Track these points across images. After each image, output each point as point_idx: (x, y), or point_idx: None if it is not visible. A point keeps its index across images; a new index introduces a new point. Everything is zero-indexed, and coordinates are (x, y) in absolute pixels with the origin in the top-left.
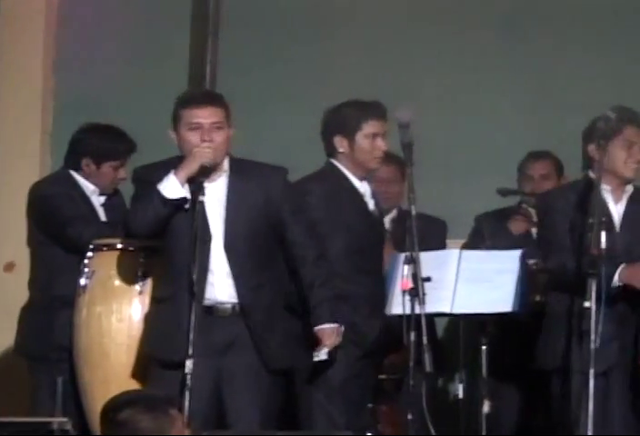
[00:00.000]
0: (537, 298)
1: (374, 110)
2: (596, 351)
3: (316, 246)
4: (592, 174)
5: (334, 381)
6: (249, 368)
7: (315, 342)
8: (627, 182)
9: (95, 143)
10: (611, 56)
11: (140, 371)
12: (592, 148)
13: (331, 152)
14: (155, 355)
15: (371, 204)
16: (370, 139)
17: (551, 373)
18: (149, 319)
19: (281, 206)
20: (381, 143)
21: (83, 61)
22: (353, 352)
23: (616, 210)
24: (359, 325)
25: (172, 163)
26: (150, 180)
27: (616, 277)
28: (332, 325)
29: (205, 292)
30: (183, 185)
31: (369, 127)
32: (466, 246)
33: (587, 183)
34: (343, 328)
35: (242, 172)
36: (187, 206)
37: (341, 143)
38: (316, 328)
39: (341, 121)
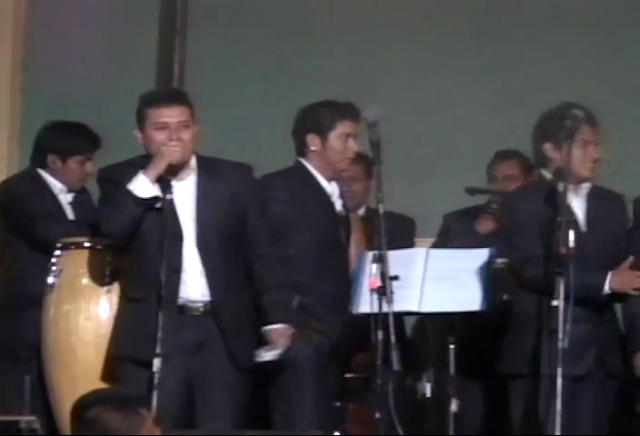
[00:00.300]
0: (505, 297)
1: (348, 111)
2: (573, 355)
3: (277, 245)
4: (546, 173)
5: (304, 373)
6: (220, 366)
7: (264, 342)
8: (584, 181)
9: (59, 139)
10: (578, 56)
11: (108, 369)
12: (548, 147)
13: (302, 150)
14: (126, 354)
15: (338, 205)
16: (343, 139)
17: (516, 376)
18: (120, 318)
19: (246, 203)
20: (352, 144)
21: (52, 60)
22: (319, 343)
23: (579, 208)
24: (319, 310)
25: (136, 163)
26: (116, 180)
27: (607, 286)
28: (284, 326)
29: (178, 291)
30: (153, 184)
31: (343, 127)
32: (435, 245)
33: (546, 182)
34: (292, 330)
35: (209, 170)
36: (158, 205)
37: (313, 142)
38: (267, 327)
39: (315, 119)
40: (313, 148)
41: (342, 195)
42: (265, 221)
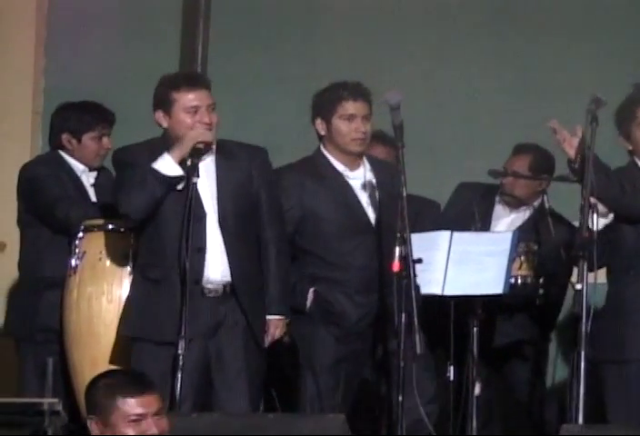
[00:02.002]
0: (529, 280)
1: (350, 91)
2: None
3: (284, 235)
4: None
5: (322, 362)
6: (236, 348)
7: None
8: None
9: (70, 117)
10: (596, 40)
11: (126, 350)
12: (621, 139)
13: (319, 136)
14: (147, 336)
15: (369, 187)
16: (346, 121)
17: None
18: (138, 299)
19: (260, 187)
20: (359, 125)
21: (74, 41)
22: (333, 333)
23: None
24: (336, 305)
25: (152, 145)
26: (132, 161)
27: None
28: (280, 317)
29: (203, 271)
30: (178, 165)
31: (343, 109)
32: (445, 213)
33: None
34: (288, 320)
35: (227, 151)
36: (180, 187)
37: (321, 127)
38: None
39: (320, 104)
40: (322, 133)
41: (378, 171)
42: (276, 206)
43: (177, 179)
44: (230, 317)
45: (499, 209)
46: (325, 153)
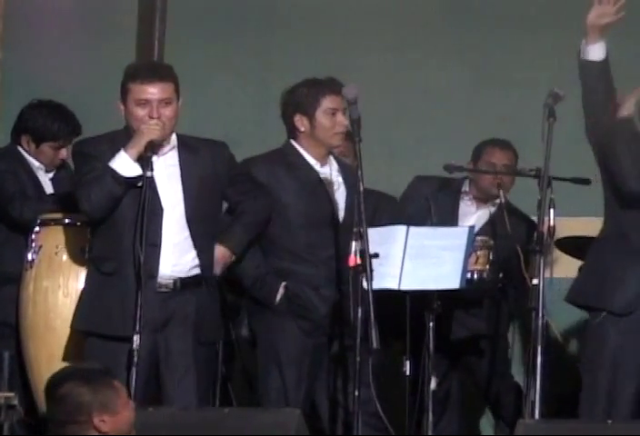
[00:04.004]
0: (485, 275)
1: (329, 86)
2: None
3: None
4: None
5: (288, 356)
6: (187, 343)
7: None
8: None
9: (38, 121)
10: (553, 32)
11: (81, 345)
12: None
13: (292, 133)
14: (99, 330)
15: (337, 182)
16: (330, 115)
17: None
18: (92, 293)
19: (225, 178)
20: (341, 119)
21: (31, 35)
22: (301, 326)
23: None
24: (305, 298)
25: (113, 137)
26: (92, 154)
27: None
28: (225, 249)
29: (158, 266)
30: (135, 162)
31: (327, 103)
32: (405, 208)
33: None
34: (234, 258)
35: (189, 146)
36: (140, 183)
37: (301, 122)
38: (216, 245)
39: (299, 100)
40: (302, 129)
41: (344, 171)
42: (245, 184)
43: (135, 179)
44: (179, 312)
45: (465, 206)
46: (298, 147)
